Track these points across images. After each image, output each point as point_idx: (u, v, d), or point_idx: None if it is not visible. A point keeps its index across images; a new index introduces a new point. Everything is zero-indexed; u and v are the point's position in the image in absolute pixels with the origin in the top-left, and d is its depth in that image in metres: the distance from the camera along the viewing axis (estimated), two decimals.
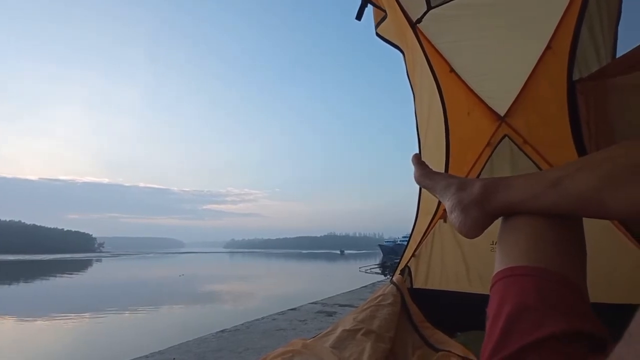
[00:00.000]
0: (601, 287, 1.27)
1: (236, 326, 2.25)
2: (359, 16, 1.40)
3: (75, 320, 8.09)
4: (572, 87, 1.39)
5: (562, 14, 1.28)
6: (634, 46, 0.99)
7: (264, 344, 1.82)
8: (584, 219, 0.56)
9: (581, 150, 1.41)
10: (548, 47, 1.40)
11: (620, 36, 1.20)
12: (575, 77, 1.38)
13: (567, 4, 1.24)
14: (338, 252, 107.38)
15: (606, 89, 1.28)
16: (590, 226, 0.57)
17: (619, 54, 1.24)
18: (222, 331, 2.13)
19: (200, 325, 5.13)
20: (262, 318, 2.50)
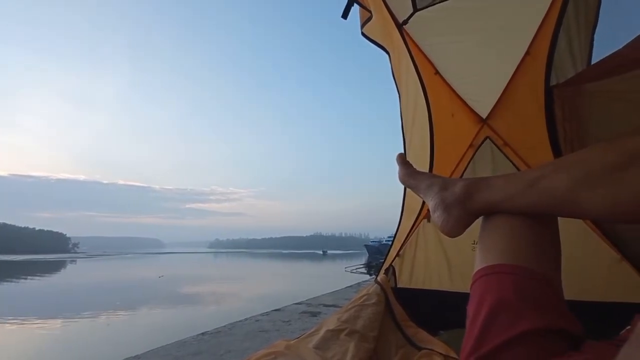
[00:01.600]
0: (575, 285, 1.32)
1: (218, 328, 2.21)
2: (344, 15, 1.41)
3: (44, 326, 7.66)
4: (549, 92, 1.44)
5: (541, 21, 1.32)
6: (608, 54, 1.03)
7: (246, 346, 1.80)
8: (559, 218, 0.58)
9: (557, 152, 1.46)
10: (527, 53, 1.44)
11: (595, 44, 1.25)
12: (552, 82, 1.43)
13: (546, 11, 1.28)
14: (320, 252, 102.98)
15: (581, 94, 1.33)
16: (566, 226, 0.59)
17: (594, 61, 1.29)
18: (203, 334, 2.09)
19: (181, 328, 5.01)
20: (245, 319, 2.46)
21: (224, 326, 2.27)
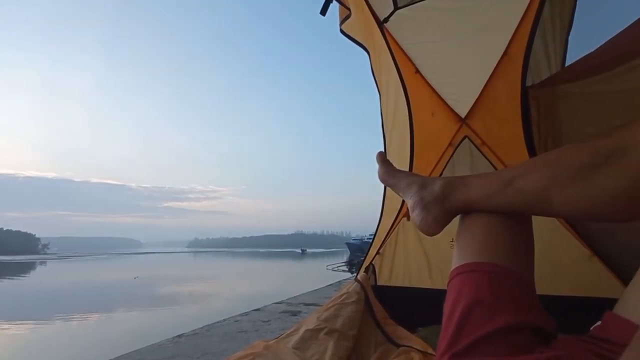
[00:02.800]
0: (547, 280, 1.36)
1: (195, 330, 2.15)
2: (323, 11, 1.39)
3: (7, 331, 7.28)
4: (525, 93, 1.47)
5: (518, 22, 1.35)
6: (582, 56, 1.07)
7: (224, 348, 1.75)
8: (533, 216, 0.59)
9: (532, 152, 1.50)
10: (505, 54, 1.47)
11: (570, 46, 1.29)
12: (528, 83, 1.46)
13: (523, 13, 1.31)
14: (299, 250, 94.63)
15: (555, 95, 1.37)
16: (538, 222, 0.60)
17: (568, 62, 1.33)
18: (179, 336, 2.02)
19: (157, 330, 4.87)
20: (224, 320, 2.41)
21: (202, 327, 2.22)
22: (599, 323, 0.44)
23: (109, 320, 8.25)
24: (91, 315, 8.65)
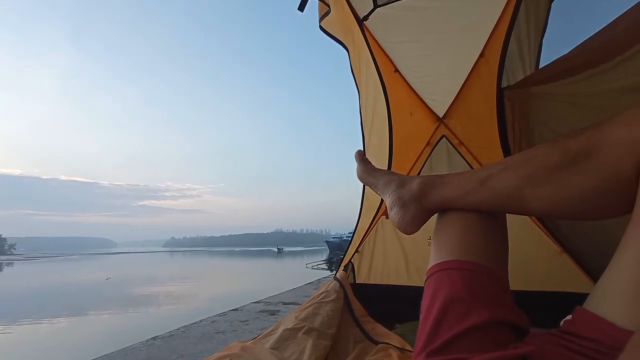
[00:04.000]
0: (520, 276, 1.40)
1: (171, 331, 2.08)
2: (301, 7, 1.37)
3: None
4: (500, 94, 1.51)
5: (494, 24, 1.38)
6: (555, 58, 1.10)
7: (200, 349, 1.71)
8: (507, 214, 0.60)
9: (507, 152, 1.55)
10: (481, 55, 1.50)
11: (543, 48, 1.33)
12: (504, 84, 1.50)
13: (499, 15, 1.34)
14: (275, 249, 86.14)
15: (529, 96, 1.41)
16: (512, 220, 0.62)
17: (541, 64, 1.38)
18: (153, 338, 1.95)
19: (131, 333, 4.71)
20: (201, 321, 2.35)
21: (178, 329, 2.15)
22: (569, 317, 0.45)
23: (80, 323, 7.88)
24: (60, 319, 8.24)
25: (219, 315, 2.51)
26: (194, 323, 2.29)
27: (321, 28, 1.64)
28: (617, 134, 0.43)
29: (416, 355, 0.47)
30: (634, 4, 0.79)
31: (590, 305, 0.41)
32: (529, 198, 0.49)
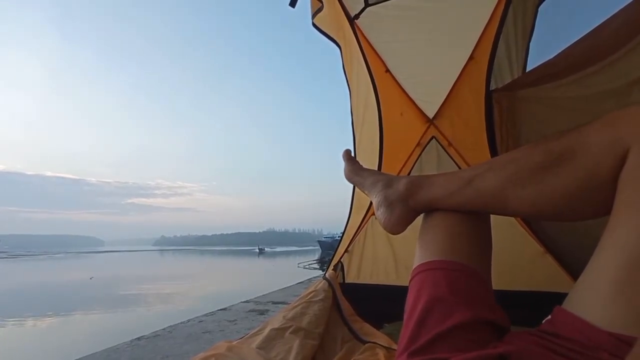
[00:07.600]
0: (504, 276, 1.42)
1: (156, 331, 2.05)
2: (292, 3, 1.36)
3: None
4: (489, 96, 1.53)
5: (484, 26, 1.40)
6: (542, 62, 1.12)
7: (186, 350, 1.69)
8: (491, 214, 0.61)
9: (494, 153, 1.56)
10: (471, 57, 1.52)
11: (530, 52, 1.36)
12: (492, 87, 1.52)
13: (489, 17, 1.36)
14: (256, 249, 77.87)
15: (516, 99, 1.43)
16: (495, 220, 0.62)
17: (529, 67, 1.40)
18: (138, 338, 1.92)
19: (115, 334, 4.62)
20: (188, 320, 2.32)
21: (164, 329, 2.12)
22: (549, 317, 0.46)
23: (62, 323, 7.70)
24: (43, 319, 8.03)
25: (206, 314, 2.49)
26: (181, 323, 2.26)
27: (314, 25, 1.63)
28: (598, 135, 0.44)
29: (399, 355, 0.47)
30: (616, 11, 0.81)
31: (568, 305, 0.42)
32: (512, 199, 0.50)
